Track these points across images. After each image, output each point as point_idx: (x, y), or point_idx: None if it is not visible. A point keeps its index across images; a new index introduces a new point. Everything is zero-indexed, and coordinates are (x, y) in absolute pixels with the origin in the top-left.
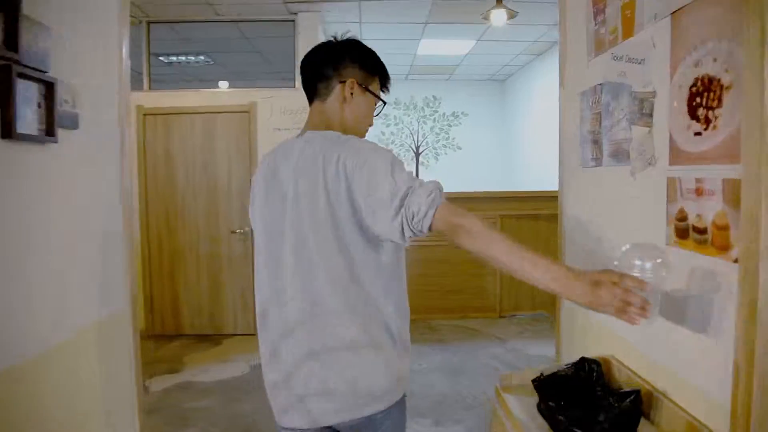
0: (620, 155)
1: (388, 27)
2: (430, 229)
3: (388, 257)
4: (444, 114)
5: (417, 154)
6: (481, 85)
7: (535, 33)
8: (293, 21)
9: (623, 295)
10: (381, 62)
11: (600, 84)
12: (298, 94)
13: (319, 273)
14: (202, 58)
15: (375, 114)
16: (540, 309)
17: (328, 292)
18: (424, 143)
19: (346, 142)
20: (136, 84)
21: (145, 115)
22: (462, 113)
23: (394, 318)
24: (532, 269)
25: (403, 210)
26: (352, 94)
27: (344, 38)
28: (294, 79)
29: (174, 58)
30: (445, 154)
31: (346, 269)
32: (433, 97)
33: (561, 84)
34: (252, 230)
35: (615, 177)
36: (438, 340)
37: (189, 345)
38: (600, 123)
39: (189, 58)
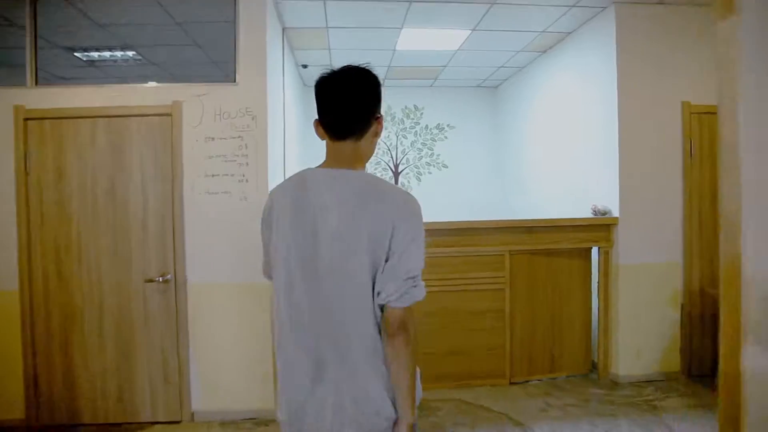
0: None
1: (361, 9)
2: (385, 307)
3: None
4: (427, 126)
5: (396, 174)
6: (469, 93)
7: (545, 20)
8: None
9: None
10: None
11: None
12: (239, 92)
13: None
14: (130, 54)
15: None
16: (560, 372)
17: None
18: (404, 160)
19: (403, 205)
20: (17, 78)
21: (26, 119)
22: (448, 126)
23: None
24: (408, 393)
25: (406, 285)
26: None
27: (363, 67)
28: (234, 72)
29: (95, 55)
30: (429, 173)
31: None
32: (414, 106)
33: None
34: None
35: None
36: (434, 427)
37: None
38: None
39: (114, 54)
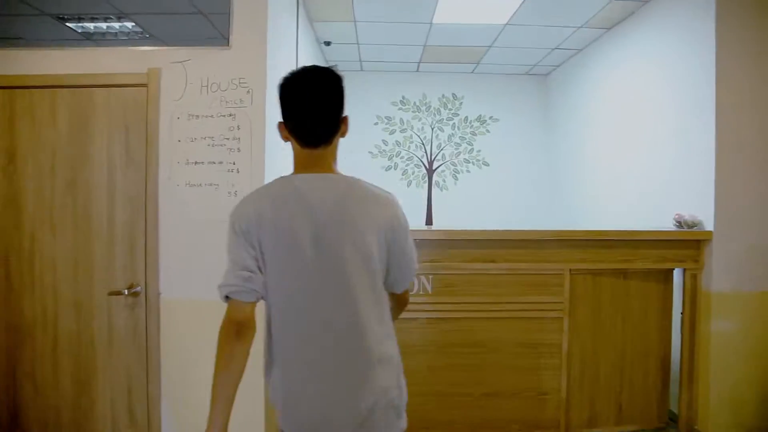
0: None
1: None
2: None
3: None
4: (467, 119)
5: (430, 171)
6: (515, 80)
7: None
8: None
9: None
10: None
11: None
12: (232, 58)
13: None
14: (130, 25)
15: None
16: (628, 424)
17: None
18: (439, 156)
19: (396, 206)
20: None
21: None
22: (490, 118)
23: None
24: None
25: (413, 275)
26: None
27: (329, 69)
28: (228, 33)
29: (90, 26)
30: (468, 171)
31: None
32: (453, 95)
33: None
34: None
35: None
36: None
37: None
38: None
39: (110, 25)
